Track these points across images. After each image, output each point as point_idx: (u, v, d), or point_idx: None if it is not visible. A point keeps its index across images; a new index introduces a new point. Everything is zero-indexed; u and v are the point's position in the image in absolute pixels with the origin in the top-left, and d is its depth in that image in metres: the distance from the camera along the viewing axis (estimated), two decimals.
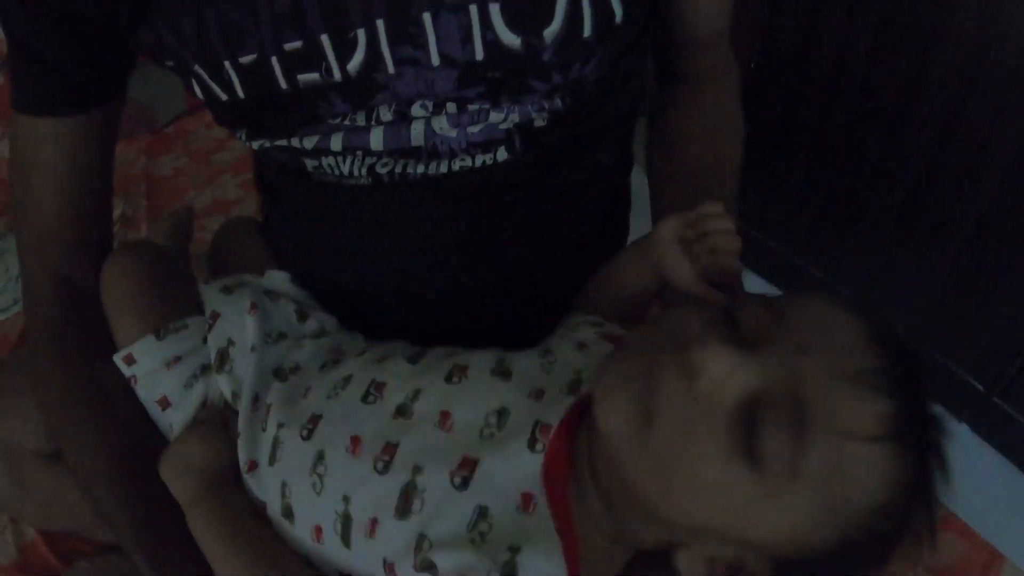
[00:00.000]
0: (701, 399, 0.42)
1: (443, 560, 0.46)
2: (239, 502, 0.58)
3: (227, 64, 0.55)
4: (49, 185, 0.64)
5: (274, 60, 0.54)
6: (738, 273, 0.55)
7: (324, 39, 0.53)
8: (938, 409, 0.44)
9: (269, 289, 0.69)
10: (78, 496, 0.69)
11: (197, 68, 0.56)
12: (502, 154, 0.60)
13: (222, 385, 0.61)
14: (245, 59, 0.54)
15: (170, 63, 0.57)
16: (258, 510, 0.58)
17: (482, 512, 0.47)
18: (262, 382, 0.61)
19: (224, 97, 0.57)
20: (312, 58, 0.54)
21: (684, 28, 0.66)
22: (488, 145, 0.59)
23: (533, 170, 0.62)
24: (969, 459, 1.13)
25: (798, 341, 0.42)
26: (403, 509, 0.49)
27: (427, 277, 0.65)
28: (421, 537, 0.48)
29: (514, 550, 0.46)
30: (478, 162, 0.60)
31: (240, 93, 0.56)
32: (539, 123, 0.59)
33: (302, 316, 0.68)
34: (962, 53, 0.95)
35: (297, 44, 0.53)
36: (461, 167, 0.61)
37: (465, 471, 0.49)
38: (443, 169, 0.60)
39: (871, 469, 0.40)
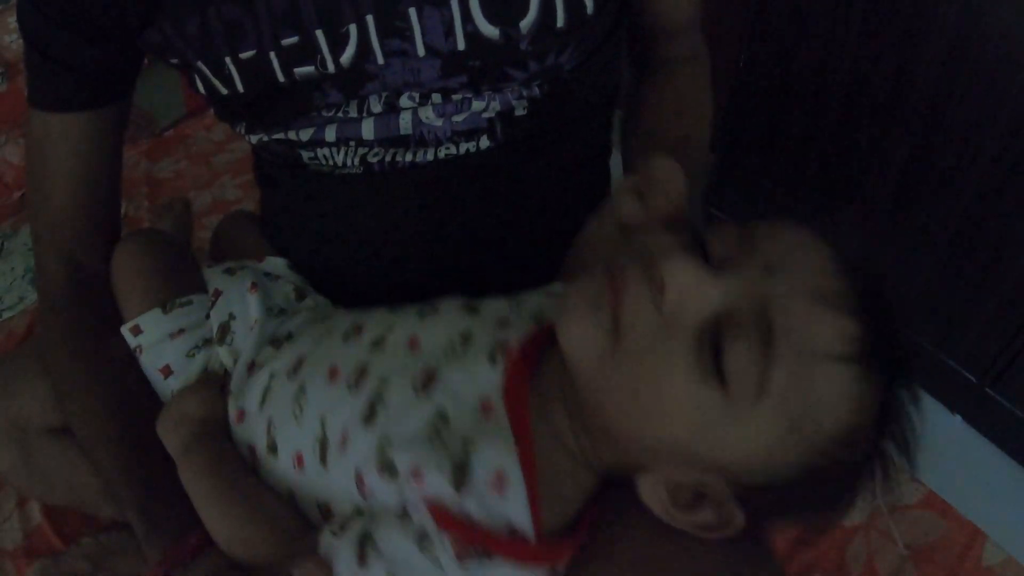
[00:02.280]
0: (667, 313, 0.42)
1: (400, 457, 0.47)
2: (227, 450, 0.60)
3: (228, 60, 0.58)
4: (62, 176, 0.67)
5: (272, 55, 0.57)
6: (686, 216, 0.54)
7: (319, 34, 0.56)
8: (905, 348, 0.43)
9: (268, 272, 0.72)
10: (83, 472, 0.72)
11: (200, 64, 0.59)
12: (485, 142, 0.64)
13: (223, 356, 0.64)
14: (245, 55, 0.58)
15: (174, 60, 0.60)
16: (245, 460, 0.60)
17: (441, 415, 0.48)
18: (259, 350, 0.64)
19: (225, 91, 0.61)
20: (308, 52, 0.57)
21: (655, 17, 0.70)
22: (472, 133, 0.63)
23: (515, 157, 0.66)
24: (959, 449, 1.14)
25: (766, 262, 0.42)
26: (368, 417, 0.50)
27: (414, 260, 0.68)
28: (383, 439, 0.49)
29: (468, 443, 0.46)
30: (462, 150, 0.64)
31: (240, 87, 0.60)
32: (519, 111, 0.63)
33: (300, 296, 0.71)
34: (947, 46, 0.95)
35: (294, 39, 0.57)
36: (447, 155, 0.64)
37: (426, 380, 0.50)
38: (430, 157, 0.64)
39: (837, 389, 0.40)
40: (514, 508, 0.45)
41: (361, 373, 0.54)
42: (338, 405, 0.53)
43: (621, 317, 0.43)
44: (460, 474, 0.45)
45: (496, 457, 0.45)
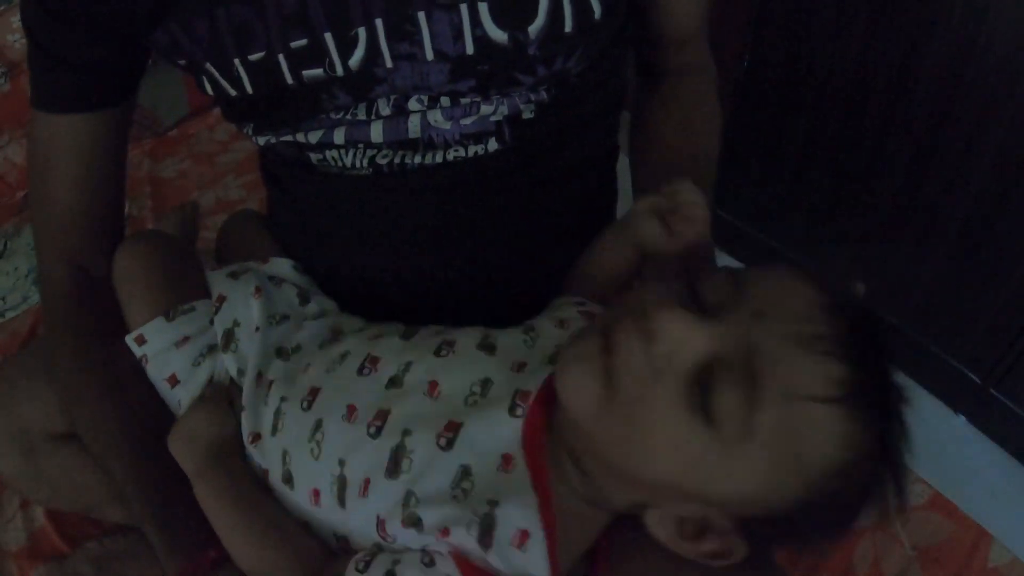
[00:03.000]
0: (659, 362, 0.44)
1: (428, 515, 0.50)
2: (242, 471, 0.60)
3: (237, 62, 0.58)
4: (65, 178, 0.67)
5: (281, 57, 0.57)
6: (707, 241, 0.58)
7: (328, 37, 0.56)
8: (901, 378, 0.45)
9: (273, 275, 0.72)
10: (88, 476, 0.72)
11: (208, 66, 0.59)
12: (493, 145, 0.64)
13: (228, 363, 0.64)
14: (254, 57, 0.57)
15: (183, 62, 0.60)
16: (260, 480, 0.60)
17: (465, 471, 0.51)
18: (265, 360, 0.64)
19: (233, 93, 0.60)
20: (316, 55, 0.57)
21: (662, 26, 0.70)
22: (480, 136, 0.63)
23: (523, 159, 0.66)
24: (963, 449, 1.14)
25: (755, 308, 0.44)
26: (393, 469, 0.52)
27: (422, 261, 0.68)
28: (409, 494, 0.51)
29: (493, 504, 0.49)
30: (471, 152, 0.64)
31: (249, 89, 0.60)
32: (527, 115, 0.63)
33: (304, 299, 0.71)
34: (951, 47, 0.95)
35: (303, 42, 0.57)
36: (455, 157, 0.64)
37: (450, 433, 0.52)
38: (438, 159, 0.64)
39: (823, 430, 0.42)
40: (534, 562, 0.48)
41: (381, 418, 0.55)
42: (359, 450, 0.54)
43: (615, 368, 0.45)
44: (486, 533, 0.48)
45: (519, 517, 0.48)
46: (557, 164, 0.68)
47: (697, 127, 0.72)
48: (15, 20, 1.56)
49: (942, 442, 1.17)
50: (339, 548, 0.57)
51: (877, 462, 0.44)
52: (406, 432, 0.53)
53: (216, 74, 0.59)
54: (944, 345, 1.16)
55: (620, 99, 0.74)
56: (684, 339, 0.43)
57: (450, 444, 0.52)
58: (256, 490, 0.59)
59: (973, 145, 0.99)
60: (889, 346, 0.45)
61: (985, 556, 0.99)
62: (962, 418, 1.18)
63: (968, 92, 0.97)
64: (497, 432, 0.52)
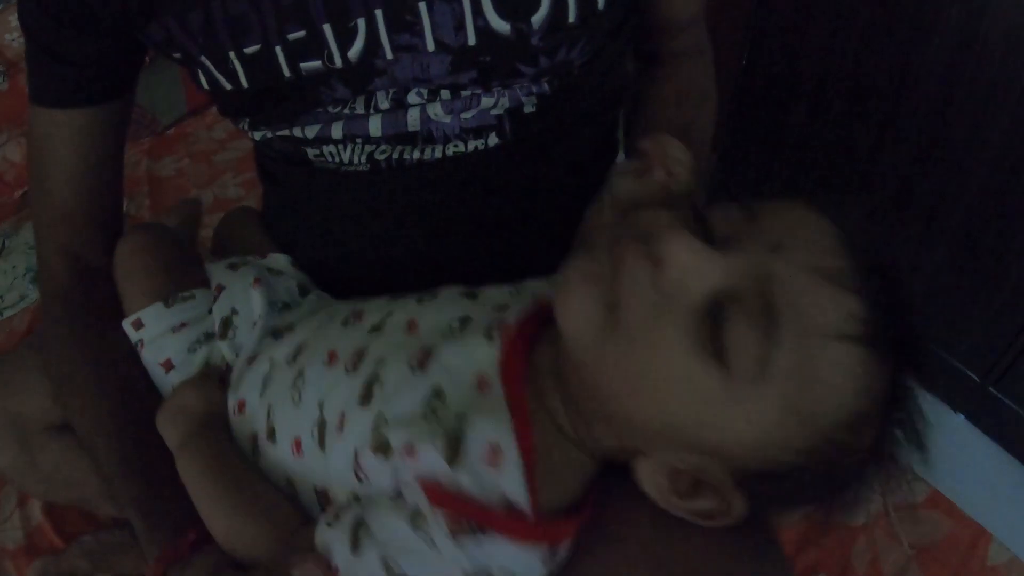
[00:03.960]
0: (667, 291, 0.41)
1: (395, 434, 0.46)
2: (225, 444, 0.59)
3: (232, 55, 0.57)
4: (64, 172, 0.67)
5: (278, 49, 0.57)
6: (694, 187, 0.54)
7: (326, 28, 0.56)
8: (916, 334, 0.42)
9: (271, 268, 0.72)
10: (83, 469, 0.72)
11: (203, 59, 0.59)
12: (493, 139, 0.63)
13: (224, 350, 0.64)
14: (250, 49, 0.57)
15: (177, 55, 0.60)
16: (244, 454, 0.59)
17: (436, 391, 0.47)
18: (261, 344, 0.63)
19: (229, 87, 0.60)
20: (315, 47, 0.56)
21: (661, 12, 0.70)
22: (480, 131, 0.63)
23: (522, 155, 0.65)
24: (963, 449, 1.14)
25: (770, 240, 0.41)
26: (365, 396, 0.50)
27: (420, 258, 0.68)
28: (379, 417, 0.48)
29: (462, 417, 0.45)
30: (470, 147, 0.64)
31: (244, 83, 0.59)
32: (528, 109, 0.62)
33: (303, 291, 0.71)
34: (951, 42, 0.95)
35: (300, 34, 0.56)
36: (455, 152, 0.64)
37: (423, 358, 0.50)
38: (437, 154, 0.64)
39: (841, 370, 0.39)
40: (509, 481, 0.44)
41: (359, 356, 0.54)
42: (336, 388, 0.53)
43: (619, 293, 0.42)
44: (454, 448, 0.44)
45: (491, 430, 0.45)
46: (557, 160, 0.68)
47: (691, 102, 0.71)
48: (13, 19, 1.56)
49: (941, 441, 1.16)
50: (320, 508, 0.55)
51: (888, 416, 0.41)
52: (380, 362, 0.52)
53: (211, 67, 0.59)
54: (944, 343, 1.15)
55: (620, 94, 0.73)
56: (696, 268, 0.40)
57: (422, 366, 0.49)
58: (237, 463, 0.58)
59: (972, 143, 0.99)
60: (907, 293, 0.42)
61: (984, 555, 1.00)
62: (961, 417, 1.18)
63: (967, 90, 0.97)
64: (472, 355, 0.49)
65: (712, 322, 0.39)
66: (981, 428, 1.17)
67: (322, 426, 0.53)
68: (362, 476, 0.49)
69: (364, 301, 0.62)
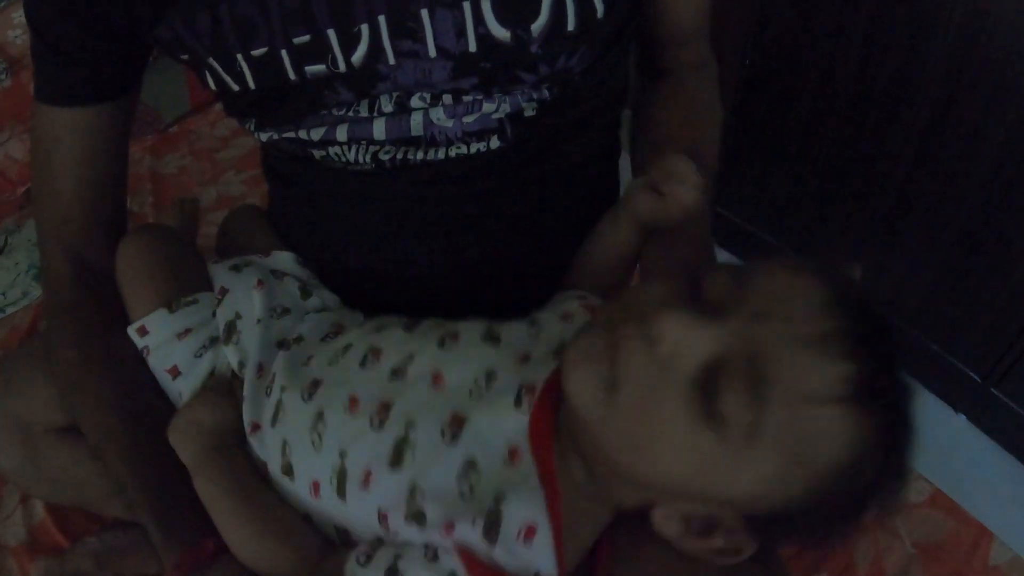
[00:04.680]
0: (662, 365, 0.44)
1: (432, 509, 0.49)
2: (242, 462, 0.60)
3: (239, 57, 0.58)
4: (67, 170, 0.67)
5: (284, 53, 0.57)
6: (701, 205, 0.59)
7: (330, 33, 0.56)
8: (906, 376, 0.45)
9: (274, 268, 0.72)
10: (88, 471, 0.72)
11: (211, 61, 0.59)
12: (495, 142, 0.64)
13: (229, 355, 0.64)
14: (257, 52, 0.57)
15: (185, 57, 0.60)
16: (260, 471, 0.60)
17: (470, 464, 0.50)
18: (267, 352, 0.64)
19: (236, 88, 0.60)
20: (319, 51, 0.57)
21: (664, 25, 0.70)
22: (482, 134, 0.63)
23: (524, 157, 0.66)
24: (964, 448, 1.14)
25: (758, 307, 0.43)
26: (395, 461, 0.52)
27: (424, 256, 0.68)
28: (413, 487, 0.50)
29: (499, 499, 0.48)
30: (473, 149, 0.64)
31: (251, 84, 0.59)
32: (529, 113, 0.63)
33: (305, 293, 0.71)
34: (952, 45, 0.96)
35: (305, 38, 0.56)
36: (457, 154, 0.64)
37: (455, 426, 0.51)
38: (440, 156, 0.64)
39: (830, 430, 0.42)
40: (541, 557, 0.47)
41: (384, 409, 0.54)
42: (360, 441, 0.54)
43: (619, 370, 0.45)
44: (492, 528, 0.47)
45: (526, 511, 0.47)
46: (559, 162, 0.68)
47: (697, 120, 0.71)
48: (15, 16, 1.56)
49: (942, 441, 1.17)
50: (340, 541, 0.56)
51: (884, 458, 0.43)
52: (409, 424, 0.53)
53: (219, 69, 0.59)
54: (944, 344, 1.16)
55: (622, 97, 0.74)
56: (686, 341, 0.43)
57: (455, 437, 0.51)
58: (256, 481, 0.59)
59: (974, 143, 0.99)
60: (895, 339, 0.45)
61: (986, 554, 1.00)
62: (962, 417, 1.18)
63: (969, 90, 0.97)
64: (503, 425, 0.51)
65: (705, 390, 0.42)
66: (982, 428, 1.17)
67: (342, 475, 0.54)
68: (391, 533, 0.51)
69: (380, 334, 0.62)
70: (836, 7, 1.08)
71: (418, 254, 0.69)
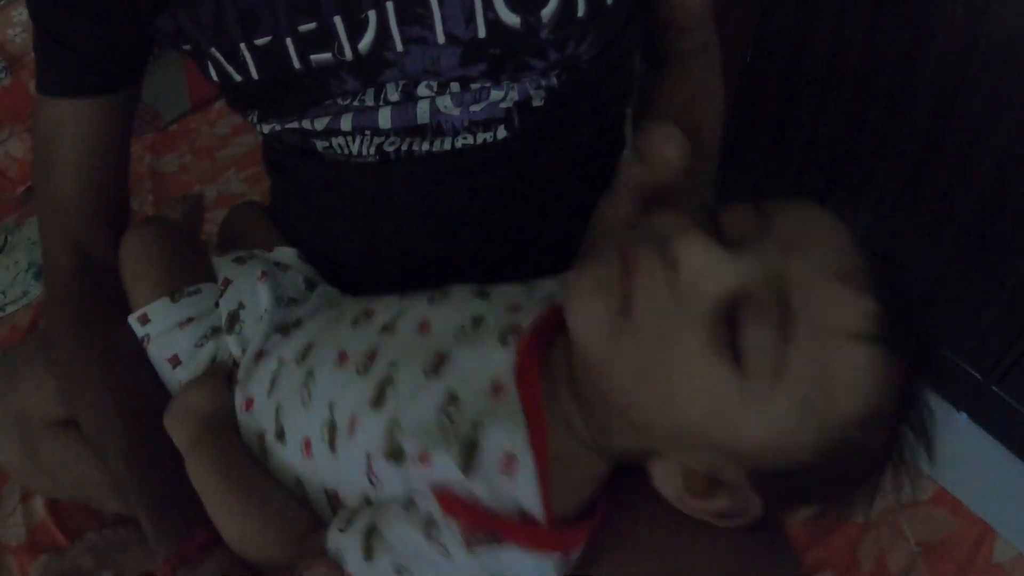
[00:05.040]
0: (682, 293, 0.41)
1: (409, 441, 0.47)
2: (234, 445, 0.59)
3: (243, 46, 0.57)
4: (70, 163, 0.67)
5: (289, 41, 0.56)
6: (686, 163, 0.55)
7: (337, 20, 0.55)
8: (926, 326, 0.43)
9: (278, 262, 0.71)
10: (87, 466, 0.72)
11: (213, 51, 0.58)
12: (502, 132, 0.63)
13: (231, 345, 0.63)
14: (260, 41, 0.57)
15: (187, 47, 0.60)
16: (255, 451, 0.59)
17: (451, 397, 0.47)
18: (268, 339, 0.63)
19: (239, 79, 0.60)
20: (325, 39, 0.56)
21: (669, 11, 0.70)
22: (489, 123, 0.63)
23: (531, 147, 0.65)
24: (966, 447, 1.14)
25: (783, 240, 0.41)
26: (377, 400, 0.50)
27: (428, 249, 0.68)
28: (393, 423, 0.48)
29: (477, 424, 0.45)
30: (479, 140, 0.63)
31: (255, 75, 0.59)
32: (537, 102, 0.62)
33: (310, 286, 0.70)
34: (956, 36, 0.95)
35: (311, 25, 0.56)
36: (464, 144, 0.63)
37: (437, 362, 0.50)
38: (447, 146, 0.63)
39: (856, 370, 0.39)
40: (524, 490, 0.44)
41: (370, 357, 0.53)
42: (347, 389, 0.53)
43: (632, 296, 0.42)
44: (468, 456, 0.44)
45: (506, 438, 0.45)
46: (565, 153, 0.68)
47: (699, 105, 0.71)
48: (15, 15, 1.56)
49: (944, 439, 1.16)
50: (330, 509, 0.55)
51: (900, 415, 0.42)
52: (393, 365, 0.51)
53: (221, 59, 0.59)
54: (946, 341, 1.15)
55: (628, 89, 0.73)
56: (710, 269, 0.40)
57: (437, 373, 0.49)
58: (247, 464, 0.58)
59: (977, 141, 0.98)
60: (912, 293, 0.43)
61: (989, 552, 1.00)
62: (964, 415, 1.17)
63: (972, 86, 0.96)
64: (487, 359, 0.49)
65: (727, 324, 0.40)
66: (984, 426, 1.16)
67: (332, 428, 0.52)
68: (374, 480, 0.49)
69: (374, 299, 0.62)
70: (838, 3, 1.07)
71: (422, 249, 0.68)
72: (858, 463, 0.42)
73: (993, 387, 1.12)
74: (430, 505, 0.44)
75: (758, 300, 0.39)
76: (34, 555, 0.96)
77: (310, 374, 0.56)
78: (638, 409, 0.43)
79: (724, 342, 0.40)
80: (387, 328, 0.56)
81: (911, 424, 0.42)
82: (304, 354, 0.58)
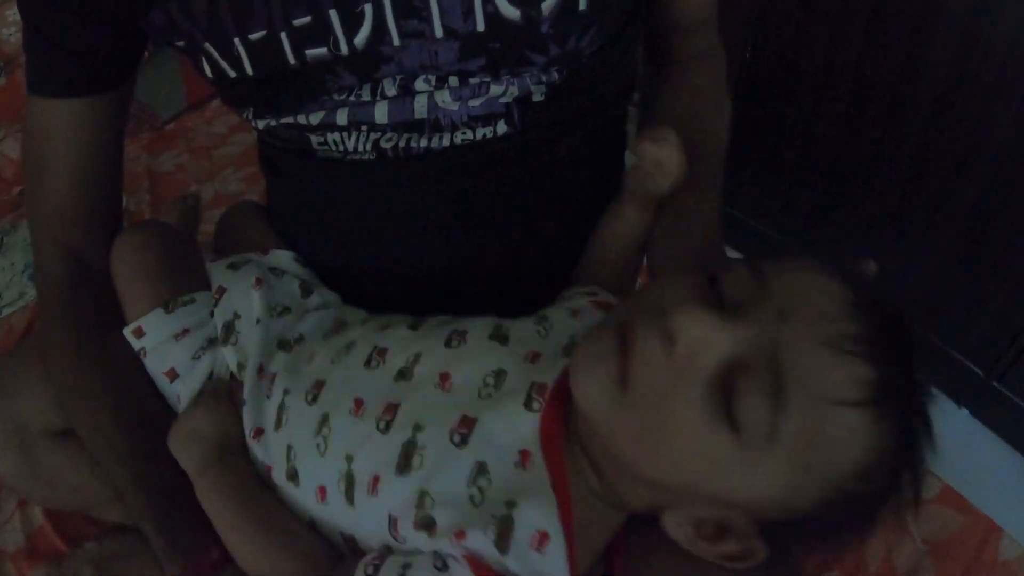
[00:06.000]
0: (679, 364, 0.42)
1: (442, 516, 0.48)
2: (245, 469, 0.59)
3: (237, 41, 0.56)
4: (61, 164, 0.66)
5: (283, 36, 0.56)
6: (683, 161, 0.58)
7: (332, 14, 0.54)
8: (923, 378, 0.44)
9: (273, 267, 0.71)
10: (86, 475, 0.71)
11: (207, 46, 0.57)
12: (502, 128, 0.62)
13: (228, 357, 0.63)
14: (255, 36, 0.56)
15: (180, 43, 0.59)
16: (263, 477, 0.59)
17: (481, 468, 0.49)
18: (267, 353, 0.62)
19: (233, 74, 0.59)
20: (320, 33, 0.55)
21: (673, 14, 0.69)
22: (488, 119, 0.61)
23: (532, 144, 0.64)
24: (969, 444, 1.14)
25: (779, 306, 0.42)
26: (403, 466, 0.50)
27: (427, 249, 0.67)
28: (422, 493, 0.49)
29: (511, 505, 0.47)
30: (479, 135, 0.62)
31: (249, 70, 0.58)
32: (537, 97, 0.61)
33: (306, 291, 0.69)
34: (955, 37, 0.95)
35: (306, 19, 0.55)
36: (463, 140, 0.62)
37: (464, 429, 0.50)
38: (445, 143, 0.62)
39: (849, 434, 0.41)
40: (553, 564, 0.46)
41: (390, 411, 0.53)
42: (367, 445, 0.53)
43: (632, 370, 0.44)
44: (503, 535, 0.46)
45: (538, 516, 0.46)
46: (566, 150, 0.67)
47: (705, 109, 0.70)
48: (10, 14, 1.56)
49: (946, 436, 1.16)
50: (347, 548, 0.55)
51: (899, 463, 0.43)
52: (417, 427, 0.51)
53: (215, 55, 0.58)
54: (947, 338, 1.15)
55: (630, 87, 0.73)
56: (706, 340, 0.42)
57: (464, 440, 0.50)
58: (260, 489, 0.58)
59: (977, 136, 0.98)
60: (913, 341, 0.44)
61: (995, 550, 1.00)
62: (965, 412, 1.18)
63: (971, 85, 0.96)
64: (514, 427, 0.50)
65: (723, 391, 0.41)
66: (985, 423, 1.17)
67: (350, 481, 0.53)
68: (399, 540, 0.50)
69: (384, 333, 0.61)
70: (836, 3, 1.07)
71: (420, 249, 0.67)
72: (860, 506, 0.44)
73: (994, 383, 1.12)
74: (465, 573, 0.46)
75: (752, 367, 0.41)
76: (32, 561, 0.95)
77: (325, 421, 0.55)
78: (644, 471, 0.45)
79: (721, 409, 0.41)
80: (404, 374, 0.56)
81: (910, 464, 0.44)
82: (315, 393, 0.57)
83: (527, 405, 0.50)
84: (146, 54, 0.65)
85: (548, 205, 0.68)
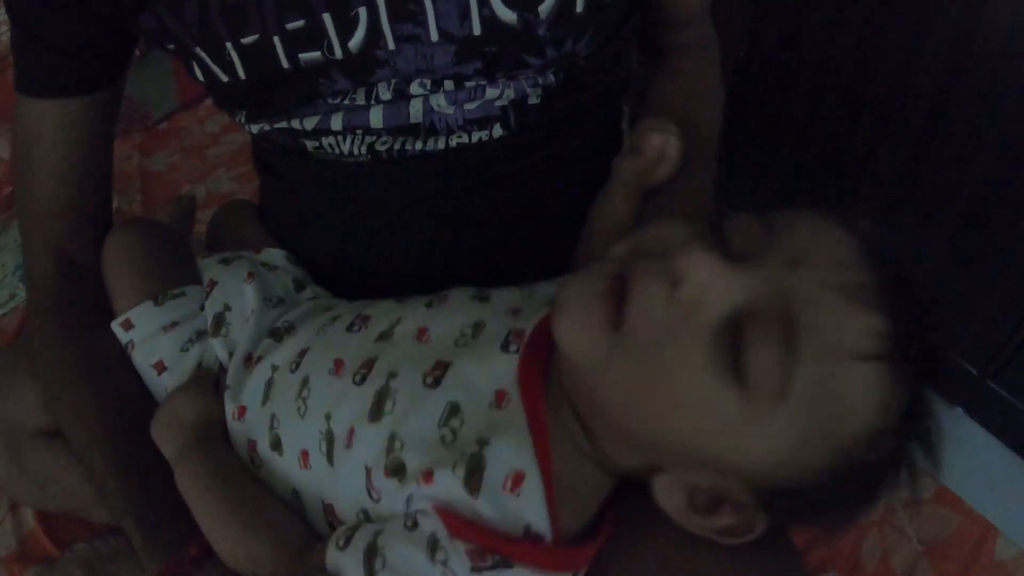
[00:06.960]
0: (683, 309, 0.39)
1: (411, 458, 0.45)
2: (225, 455, 0.58)
3: (229, 45, 0.56)
4: (51, 164, 0.65)
5: (276, 40, 0.55)
6: (680, 152, 0.57)
7: (326, 17, 0.54)
8: (934, 340, 0.42)
9: (266, 263, 0.70)
10: (76, 476, 0.70)
11: (198, 50, 0.57)
12: (497, 131, 0.62)
13: (217, 348, 0.62)
14: (247, 40, 0.55)
15: (171, 46, 0.58)
16: (246, 458, 0.58)
17: (453, 408, 0.46)
18: (258, 341, 0.62)
19: (225, 79, 0.58)
20: (314, 36, 0.55)
21: (668, 7, 0.68)
22: (484, 122, 0.61)
23: (527, 146, 0.64)
24: (964, 443, 1.13)
25: (790, 255, 0.40)
26: (376, 412, 0.48)
27: (421, 251, 0.66)
28: (392, 437, 0.47)
29: (482, 443, 0.44)
30: (474, 139, 0.62)
31: (241, 74, 0.57)
32: (533, 100, 0.61)
33: (299, 287, 0.69)
34: (950, 38, 0.95)
35: (299, 23, 0.54)
36: (458, 143, 0.62)
37: (438, 371, 0.48)
38: (440, 146, 0.62)
39: (861, 389, 0.38)
40: (531, 508, 0.43)
41: (367, 366, 0.52)
42: (344, 400, 0.51)
43: (628, 310, 0.40)
44: (474, 475, 0.43)
45: (512, 456, 0.43)
46: (562, 152, 0.67)
47: (698, 98, 0.69)
48: (2, 13, 1.54)
49: (943, 436, 1.16)
50: (325, 524, 0.54)
51: (906, 431, 0.41)
52: (391, 375, 0.49)
53: (207, 59, 0.57)
54: (942, 337, 1.15)
55: (625, 86, 0.72)
56: (715, 285, 0.39)
57: (437, 382, 0.47)
58: (239, 474, 0.57)
59: (973, 135, 0.98)
60: (923, 299, 0.41)
61: (992, 550, 1.00)
62: (959, 411, 1.17)
63: (967, 80, 0.96)
64: (489, 368, 0.47)
65: (730, 341, 0.38)
66: (979, 422, 1.16)
67: (330, 440, 0.51)
68: (375, 494, 0.48)
69: (370, 303, 0.61)
70: None
71: (415, 251, 0.67)
72: (863, 478, 0.41)
73: (989, 382, 1.12)
74: (435, 526, 0.43)
75: (763, 317, 0.38)
76: (24, 565, 0.95)
77: (305, 383, 0.54)
78: (636, 427, 0.42)
79: (726, 360, 0.38)
80: (384, 335, 0.54)
81: (918, 438, 0.42)
82: (298, 360, 0.57)
83: (504, 349, 0.48)
84: (137, 53, 0.65)
85: (544, 204, 0.68)
